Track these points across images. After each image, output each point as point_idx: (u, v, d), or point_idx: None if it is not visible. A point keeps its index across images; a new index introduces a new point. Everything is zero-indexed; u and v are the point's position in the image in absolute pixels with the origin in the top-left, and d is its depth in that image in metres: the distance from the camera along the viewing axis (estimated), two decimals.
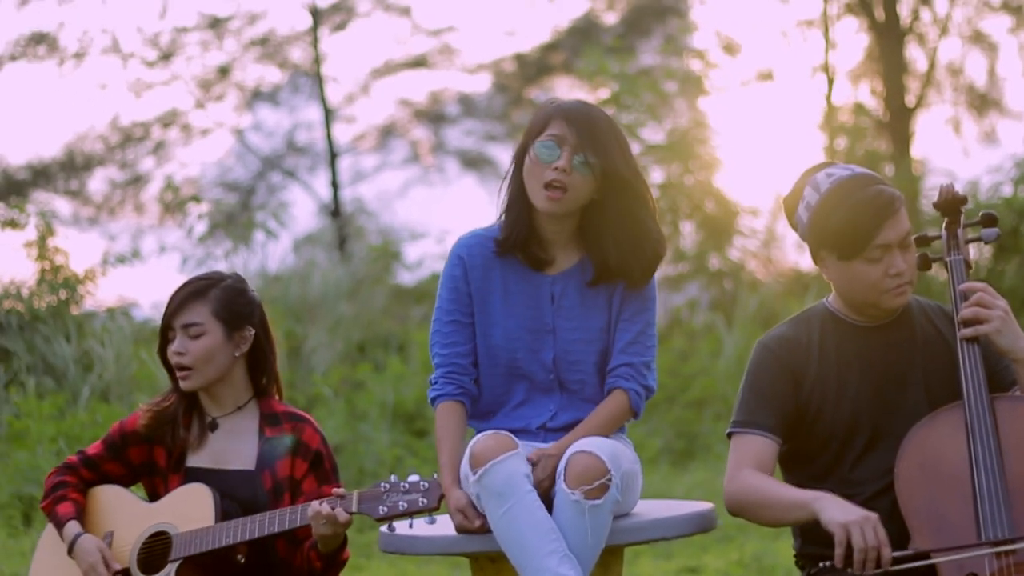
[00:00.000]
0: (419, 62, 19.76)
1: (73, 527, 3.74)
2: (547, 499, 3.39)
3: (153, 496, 3.81)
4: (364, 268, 12.70)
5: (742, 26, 17.54)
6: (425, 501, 3.41)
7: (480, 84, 22.96)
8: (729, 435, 3.47)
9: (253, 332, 3.77)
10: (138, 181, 19.53)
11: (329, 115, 19.23)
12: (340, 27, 19.51)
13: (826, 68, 15.38)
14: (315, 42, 19.13)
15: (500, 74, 20.33)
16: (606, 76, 13.19)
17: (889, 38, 15.14)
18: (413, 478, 3.44)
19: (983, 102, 16.79)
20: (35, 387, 8.85)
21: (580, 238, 3.63)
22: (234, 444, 3.75)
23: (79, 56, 18.63)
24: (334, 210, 19.11)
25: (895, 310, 3.45)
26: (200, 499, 3.65)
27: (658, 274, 3.70)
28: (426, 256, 14.43)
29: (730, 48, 15.66)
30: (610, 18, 19.90)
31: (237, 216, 14.98)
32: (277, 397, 3.84)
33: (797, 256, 13.50)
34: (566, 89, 20.41)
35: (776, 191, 13.43)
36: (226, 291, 3.76)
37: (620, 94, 13.05)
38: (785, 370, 3.44)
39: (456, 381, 3.62)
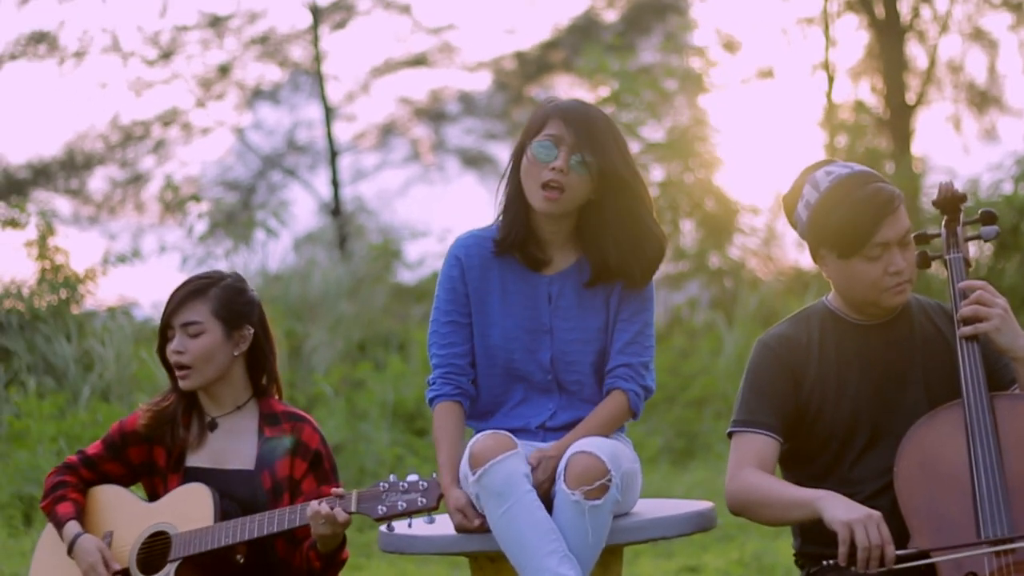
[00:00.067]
0: (419, 60, 19.75)
1: (73, 527, 3.74)
2: (547, 500, 3.39)
3: (153, 496, 3.81)
4: (364, 267, 12.69)
5: (742, 24, 17.60)
6: (424, 501, 3.41)
7: (480, 82, 22.97)
8: (730, 434, 3.47)
9: (252, 331, 3.77)
10: (138, 180, 19.53)
11: (329, 113, 19.22)
12: (340, 25, 19.50)
13: (826, 65, 15.36)
14: (315, 40, 19.12)
15: (500, 72, 20.32)
16: (606, 74, 13.18)
17: (889, 35, 15.13)
18: (412, 478, 3.44)
19: (983, 99, 16.78)
20: (35, 387, 8.84)
21: (578, 238, 3.62)
22: (233, 444, 3.75)
23: (79, 55, 18.63)
24: (334, 209, 19.09)
25: (894, 308, 3.44)
26: (199, 499, 3.65)
27: (657, 273, 3.68)
28: (427, 255, 14.40)
29: (730, 46, 15.64)
30: (610, 16, 19.91)
31: (237, 215, 14.97)
32: (277, 397, 3.84)
33: (797, 254, 13.50)
34: (566, 87, 20.46)
35: (776, 189, 13.43)
36: (226, 290, 3.76)
37: (620, 92, 13.04)
38: (785, 369, 3.44)
39: (454, 381, 3.62)
